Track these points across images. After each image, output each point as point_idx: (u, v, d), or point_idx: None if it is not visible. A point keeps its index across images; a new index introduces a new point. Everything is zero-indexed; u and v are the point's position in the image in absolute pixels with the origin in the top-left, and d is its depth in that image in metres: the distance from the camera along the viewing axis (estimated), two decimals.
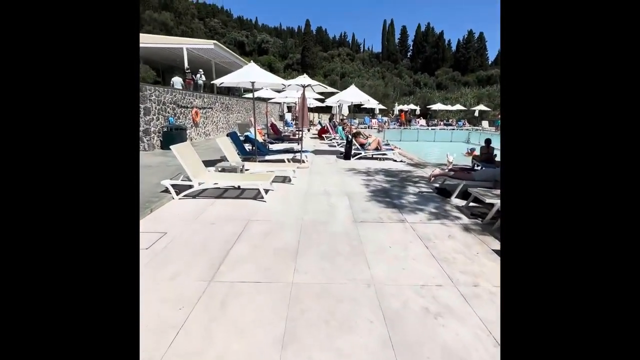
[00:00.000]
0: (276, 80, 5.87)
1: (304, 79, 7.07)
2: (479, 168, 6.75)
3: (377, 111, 26.43)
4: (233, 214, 4.02)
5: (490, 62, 76.33)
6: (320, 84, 7.54)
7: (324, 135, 14.00)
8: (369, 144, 8.75)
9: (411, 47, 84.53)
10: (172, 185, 4.57)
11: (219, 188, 4.91)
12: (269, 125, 11.47)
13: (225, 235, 3.34)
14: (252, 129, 9.53)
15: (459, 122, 26.19)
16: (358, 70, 70.80)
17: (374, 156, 8.72)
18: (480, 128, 23.89)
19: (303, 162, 7.40)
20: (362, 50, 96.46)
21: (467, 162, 10.35)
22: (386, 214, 4.12)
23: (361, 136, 8.94)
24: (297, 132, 15.89)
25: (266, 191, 4.76)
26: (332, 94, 10.70)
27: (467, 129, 22.76)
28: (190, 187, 4.59)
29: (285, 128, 17.02)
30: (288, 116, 21.43)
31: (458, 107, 26.73)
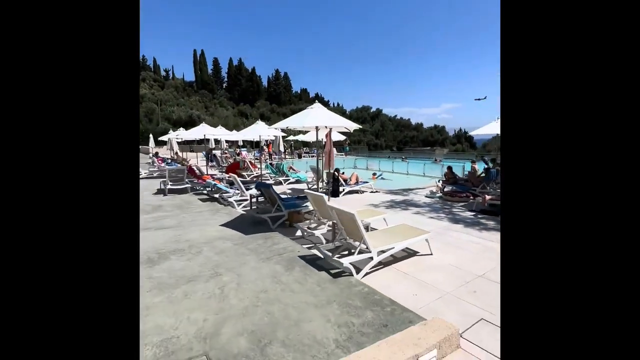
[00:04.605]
0: (344, 122, 5.35)
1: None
2: (451, 188, 8.62)
3: (240, 143, 25.78)
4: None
5: (294, 96, 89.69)
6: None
7: (243, 173, 12.48)
8: (350, 179, 9.07)
9: (226, 79, 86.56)
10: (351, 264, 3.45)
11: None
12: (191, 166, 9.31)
13: None
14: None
15: (314, 150, 29.71)
16: (174, 98, 65.26)
17: (352, 190, 9.10)
18: (337, 153, 28.19)
19: None
20: (171, 77, 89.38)
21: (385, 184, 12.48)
22: None
23: (338, 172, 9.09)
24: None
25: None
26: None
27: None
28: (369, 259, 3.63)
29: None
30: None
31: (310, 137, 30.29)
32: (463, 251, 4.39)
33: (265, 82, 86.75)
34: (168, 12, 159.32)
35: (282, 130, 10.59)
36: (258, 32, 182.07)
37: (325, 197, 4.30)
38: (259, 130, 9.41)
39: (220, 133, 10.81)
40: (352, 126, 6.39)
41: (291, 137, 19.73)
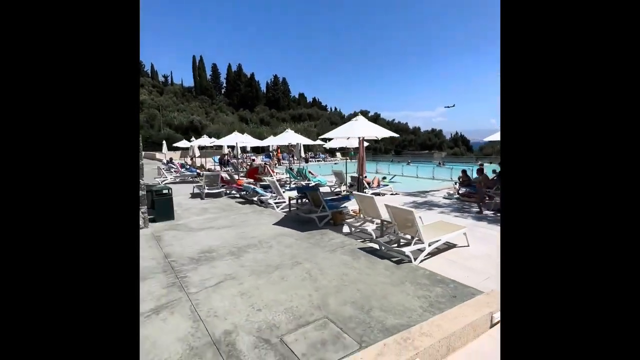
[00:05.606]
0: (381, 131, 6.08)
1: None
2: (465, 190, 9.37)
3: (248, 149, 26.45)
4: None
5: (293, 101, 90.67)
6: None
7: (263, 178, 13.16)
8: (372, 182, 9.80)
9: (224, 85, 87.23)
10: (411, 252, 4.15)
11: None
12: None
13: None
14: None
15: (321, 155, 30.60)
16: (174, 104, 65.74)
17: (374, 193, 9.82)
18: (338, 159, 29.07)
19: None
20: (170, 82, 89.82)
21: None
22: None
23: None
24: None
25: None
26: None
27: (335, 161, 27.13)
28: (419, 251, 4.33)
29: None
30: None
31: (318, 142, 31.34)
32: (493, 244, 5.11)
33: (263, 88, 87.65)
34: (164, 18, 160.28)
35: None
36: (257, 35, 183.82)
37: (376, 198, 5.00)
38: (287, 138, 10.13)
39: (249, 140, 11.51)
40: (387, 134, 7.12)
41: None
